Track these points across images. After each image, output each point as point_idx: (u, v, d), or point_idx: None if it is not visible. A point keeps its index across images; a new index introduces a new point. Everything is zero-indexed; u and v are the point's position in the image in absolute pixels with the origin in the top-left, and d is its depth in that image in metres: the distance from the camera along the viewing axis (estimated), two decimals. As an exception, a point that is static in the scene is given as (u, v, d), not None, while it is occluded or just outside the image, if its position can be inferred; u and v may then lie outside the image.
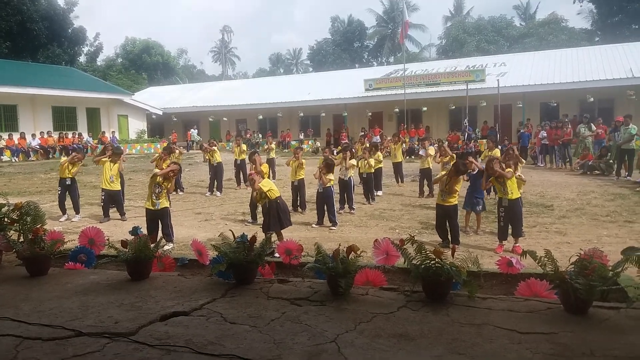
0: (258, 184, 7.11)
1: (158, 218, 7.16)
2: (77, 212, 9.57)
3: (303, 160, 10.25)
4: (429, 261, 3.57)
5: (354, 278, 3.72)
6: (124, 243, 4.28)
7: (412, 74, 30.95)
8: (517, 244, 6.73)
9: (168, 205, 7.35)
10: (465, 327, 3.01)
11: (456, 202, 7.15)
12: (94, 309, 3.46)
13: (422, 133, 27.16)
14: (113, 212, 9.59)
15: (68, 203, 9.71)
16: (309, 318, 3.21)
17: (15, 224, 5.43)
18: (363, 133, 26.44)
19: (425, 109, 28.23)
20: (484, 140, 20.99)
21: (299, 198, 10.10)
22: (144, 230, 4.98)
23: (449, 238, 7.06)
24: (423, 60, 49.59)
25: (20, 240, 5.04)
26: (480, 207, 8.05)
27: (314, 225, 8.60)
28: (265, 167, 8.87)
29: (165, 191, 7.25)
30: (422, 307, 3.36)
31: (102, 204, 9.50)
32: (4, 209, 5.53)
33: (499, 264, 4.29)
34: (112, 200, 9.42)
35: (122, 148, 13.34)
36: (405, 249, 3.79)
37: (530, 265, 4.19)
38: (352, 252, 3.77)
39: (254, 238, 4.22)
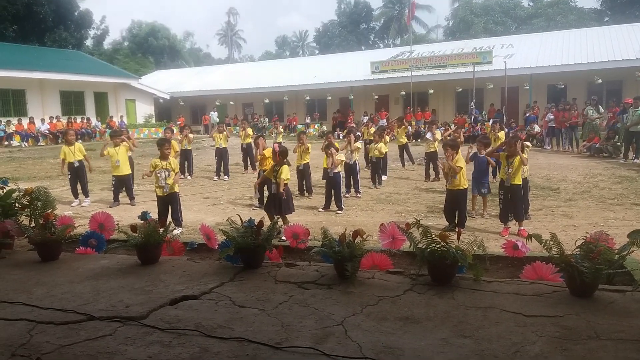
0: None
1: (168, 203, 7.18)
2: (87, 195, 9.59)
3: (309, 145, 10.22)
4: (434, 245, 3.58)
5: (360, 262, 3.74)
6: (133, 228, 4.32)
7: (418, 56, 30.62)
8: (522, 227, 6.71)
9: (177, 190, 7.35)
10: (471, 310, 3.02)
11: (465, 186, 7.12)
12: (105, 293, 3.51)
13: (428, 116, 26.99)
14: (123, 197, 9.64)
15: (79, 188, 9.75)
16: (316, 301, 3.24)
17: (26, 210, 5.50)
18: (368, 117, 26.26)
19: (431, 91, 28.01)
20: (490, 123, 20.90)
21: (304, 183, 10.10)
22: (153, 215, 5.01)
23: (455, 222, 7.05)
24: (430, 41, 49.01)
25: (31, 226, 5.11)
26: (486, 190, 8.02)
27: (320, 210, 8.62)
28: (268, 152, 8.88)
29: (174, 175, 7.21)
30: (428, 291, 3.38)
31: (112, 188, 9.54)
32: (15, 195, 5.59)
33: (504, 247, 4.29)
34: (122, 185, 9.45)
35: (122, 129, 13.22)
36: (411, 232, 3.80)
37: (536, 248, 4.18)
38: (359, 236, 3.79)
39: (261, 222, 4.24)
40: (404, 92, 28.10)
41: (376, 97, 29.79)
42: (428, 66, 28.75)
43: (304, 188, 10.10)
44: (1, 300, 3.41)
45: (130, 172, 9.56)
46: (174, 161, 7.28)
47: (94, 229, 5.04)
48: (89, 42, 48.82)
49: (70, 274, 4.04)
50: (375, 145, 10.95)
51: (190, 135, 13.31)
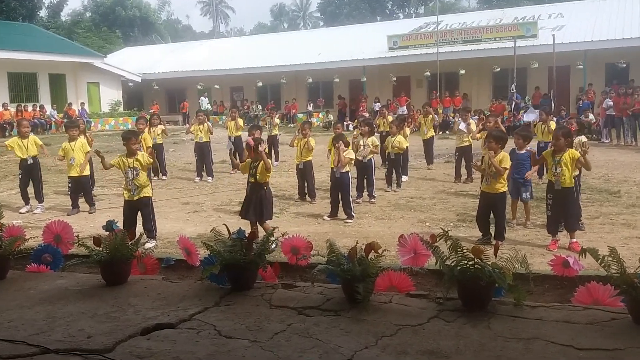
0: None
1: (137, 209, 7.21)
2: (40, 200, 9.62)
3: (312, 139, 10.21)
4: (466, 262, 3.57)
5: (374, 282, 3.74)
6: (96, 240, 4.33)
7: (446, 28, 30.61)
8: (574, 240, 6.69)
9: (150, 194, 7.38)
10: (511, 342, 3.02)
11: (505, 189, 7.11)
12: (62, 320, 3.52)
13: (458, 102, 27.00)
14: (83, 203, 9.69)
15: (31, 191, 9.79)
16: (321, 331, 3.24)
17: (-34, 218, 5.52)
18: (379, 103, 26.25)
19: (463, 72, 28.02)
20: (536, 111, 20.86)
21: (306, 185, 10.11)
22: (121, 225, 5.04)
23: (492, 233, 7.05)
24: (461, 10, 48.99)
25: (-28, 238, 5.13)
26: (528, 194, 8.00)
27: (325, 218, 8.63)
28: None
29: (145, 175, 7.26)
30: (458, 318, 3.38)
31: (68, 192, 9.57)
32: (-47, 200, 5.63)
33: (552, 264, 4.28)
34: (80, 188, 9.49)
35: (78, 120, 13.22)
36: (437, 246, 3.80)
37: (591, 265, 4.17)
38: (373, 251, 3.79)
39: (253, 234, 4.26)
40: (428, 73, 28.11)
41: (394, 79, 29.81)
42: (458, 41, 28.75)
43: (305, 191, 10.12)
44: (-64, 329, 3.43)
45: (89, 172, 9.60)
46: (144, 157, 7.31)
47: (49, 241, 5.06)
48: (43, 13, 49.15)
49: (20, 296, 4.05)
50: (393, 139, 10.93)
51: (162, 126, 13.31)
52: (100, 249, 4.28)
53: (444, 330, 3.22)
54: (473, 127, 11.73)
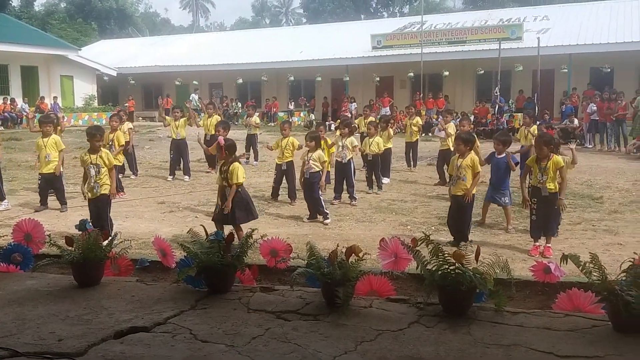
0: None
1: (94, 207, 7.16)
2: (1, 198, 9.47)
3: (293, 138, 10.21)
4: (447, 266, 3.61)
5: (354, 287, 3.76)
6: (69, 240, 4.30)
7: (431, 28, 30.81)
8: (549, 244, 6.82)
9: (108, 193, 7.30)
10: (492, 349, 3.06)
11: (472, 192, 7.22)
12: (32, 322, 3.49)
13: (441, 104, 27.19)
14: (53, 200, 9.57)
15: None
16: (300, 336, 3.25)
17: None
18: (355, 104, 26.35)
19: (446, 73, 28.23)
20: (520, 114, 21.09)
21: (287, 185, 10.12)
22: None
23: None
24: (446, 11, 49.36)
25: (-62, 236, 5.05)
26: (507, 199, 8.12)
27: (305, 220, 8.65)
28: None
29: (106, 172, 7.21)
30: (439, 324, 3.41)
31: (38, 189, 9.44)
32: None
33: (533, 270, 4.34)
34: (51, 186, 9.38)
35: (53, 115, 13.05)
36: (418, 250, 3.83)
37: (573, 272, 4.24)
38: (353, 254, 3.81)
39: (231, 235, 4.25)
40: (412, 74, 28.26)
41: (377, 79, 29.93)
42: (443, 42, 28.95)
43: (287, 193, 10.12)
44: None
45: (60, 169, 9.49)
46: (107, 155, 7.29)
47: (19, 240, 5.00)
48: (15, 3, 48.46)
49: (-13, 297, 4.01)
50: (371, 140, 10.97)
51: (129, 123, 13.21)
52: (73, 249, 4.25)
53: (424, 335, 3.26)
54: (451, 130, 11.80)
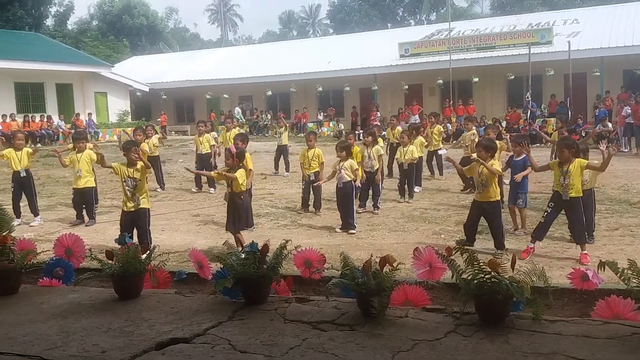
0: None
1: (134, 220, 7.27)
2: (35, 214, 9.70)
3: (319, 150, 10.28)
4: (483, 275, 3.60)
5: (389, 296, 3.77)
6: (109, 254, 4.40)
7: (459, 35, 30.65)
8: (585, 252, 6.70)
9: (148, 206, 7.45)
10: (530, 358, 3.04)
11: (497, 198, 7.18)
12: (76, 335, 3.58)
13: (472, 110, 26.99)
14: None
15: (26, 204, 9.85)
16: (336, 346, 3.27)
17: (-23, 232, 5.61)
18: (380, 113, 26.27)
19: (476, 79, 28.02)
20: (552, 119, 20.84)
21: (314, 195, 10.15)
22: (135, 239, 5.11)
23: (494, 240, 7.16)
24: (473, 17, 49.00)
25: (-17, 252, 5.21)
26: (522, 201, 8.12)
27: (337, 230, 8.68)
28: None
29: (144, 187, 7.34)
30: (475, 333, 3.40)
31: (73, 204, 9.69)
32: (-37, 213, 5.71)
33: (571, 277, 4.30)
34: (83, 200, 9.59)
35: (83, 131, 13.29)
36: (453, 259, 3.82)
37: (611, 279, 4.18)
38: (387, 264, 3.82)
39: (266, 247, 4.30)
40: (441, 81, 28.12)
41: (406, 87, 29.86)
42: (471, 48, 28.75)
43: (309, 203, 10.17)
44: (-50, 344, 3.50)
45: (93, 185, 9.70)
46: (143, 167, 7.40)
47: (60, 255, 5.14)
48: (49, 22, 49.73)
49: (33, 310, 4.12)
50: (405, 149, 10.99)
51: (158, 135, 13.33)
52: (113, 262, 4.35)
53: (461, 345, 3.25)
54: (472, 137, 11.75)
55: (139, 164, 7.33)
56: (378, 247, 7.36)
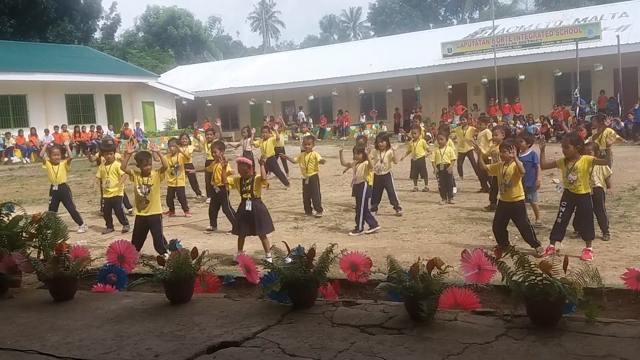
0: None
1: (148, 226, 7.44)
2: (79, 222, 9.96)
3: (316, 152, 10.44)
4: (534, 277, 3.55)
5: (438, 300, 3.75)
6: (160, 259, 4.51)
7: (503, 32, 30.16)
8: (589, 248, 6.63)
9: (160, 212, 7.67)
10: (584, 361, 2.98)
11: (522, 197, 7.07)
12: (130, 339, 3.68)
13: (518, 109, 26.51)
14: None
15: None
16: (385, 350, 3.27)
17: (35, 239, 5.84)
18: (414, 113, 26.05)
19: (522, 77, 27.52)
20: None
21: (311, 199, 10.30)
22: (185, 244, 5.21)
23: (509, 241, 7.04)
24: (518, 14, 48.18)
25: (40, 259, 5.42)
26: (531, 195, 8.14)
27: (350, 234, 8.67)
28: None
29: (157, 194, 7.51)
30: (527, 336, 3.35)
31: (102, 212, 9.93)
32: (21, 222, 5.95)
33: (625, 278, 4.19)
34: (111, 209, 9.82)
35: (112, 141, 13.38)
36: (502, 261, 3.78)
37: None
38: (435, 267, 3.80)
39: (312, 251, 4.33)
40: (486, 79, 27.74)
41: (450, 87, 29.55)
42: (516, 45, 28.28)
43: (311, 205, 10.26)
44: (12, 349, 3.65)
45: (122, 194, 9.93)
46: (156, 174, 7.55)
47: (113, 261, 5.29)
48: (97, 35, 51.13)
49: (88, 316, 4.26)
50: (442, 150, 10.91)
51: (192, 146, 13.10)
52: (164, 267, 4.45)
53: (512, 348, 3.21)
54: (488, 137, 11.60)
55: (153, 173, 7.54)
56: (425, 249, 7.30)
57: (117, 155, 10.44)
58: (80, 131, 28.04)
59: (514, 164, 6.94)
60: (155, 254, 6.69)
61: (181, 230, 9.51)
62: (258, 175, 7.30)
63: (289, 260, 4.37)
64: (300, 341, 3.48)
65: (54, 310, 4.47)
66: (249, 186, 7.24)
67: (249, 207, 7.19)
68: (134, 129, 30.17)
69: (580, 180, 6.65)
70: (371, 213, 9.51)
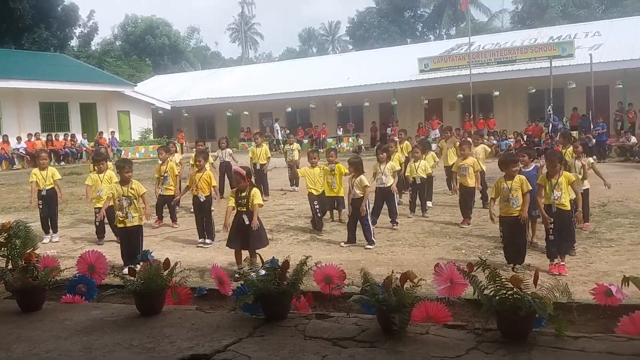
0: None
1: (128, 238, 7.34)
2: (55, 230, 9.84)
3: (342, 166, 10.24)
4: (505, 291, 3.57)
5: (410, 313, 3.75)
6: (131, 271, 4.45)
7: (479, 49, 30.64)
8: (563, 263, 6.73)
9: (141, 223, 7.54)
10: (553, 375, 3.00)
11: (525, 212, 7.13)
12: (99, 351, 3.62)
13: (493, 124, 26.83)
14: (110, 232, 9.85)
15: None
16: (357, 363, 3.26)
17: (3, 249, 5.70)
18: (390, 128, 26.31)
19: (497, 93, 27.94)
20: (575, 132, 20.61)
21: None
22: (156, 255, 5.15)
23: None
24: (494, 31, 48.94)
25: (8, 268, 5.30)
26: (535, 212, 8.08)
27: (342, 245, 8.66)
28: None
29: (138, 205, 7.41)
30: (497, 350, 3.37)
31: (96, 223, 9.72)
32: (-10, 231, 5.81)
33: (594, 293, 4.24)
34: (108, 218, 9.69)
35: (103, 151, 13.26)
36: (474, 275, 3.80)
37: (636, 294, 4.12)
38: (408, 280, 3.81)
39: (286, 263, 4.31)
40: (461, 95, 28.08)
41: (426, 101, 29.87)
42: (492, 62, 28.71)
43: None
44: (-24, 360, 3.56)
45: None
46: (137, 185, 7.47)
47: (83, 272, 5.20)
48: (74, 43, 50.74)
49: (56, 327, 4.18)
50: (417, 164, 10.94)
51: (179, 155, 13.10)
52: (135, 279, 4.39)
53: (483, 362, 3.22)
54: (482, 153, 11.80)
55: (134, 183, 7.44)
56: (398, 262, 7.32)
57: (110, 164, 10.34)
58: (54, 139, 27.70)
59: (518, 177, 7.00)
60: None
61: (154, 240, 9.40)
62: (255, 189, 7.23)
63: (263, 272, 4.35)
64: (272, 354, 3.45)
65: (21, 321, 4.38)
66: (245, 199, 7.14)
67: (246, 221, 7.07)
68: (109, 138, 29.89)
69: (563, 196, 6.78)
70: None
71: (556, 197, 6.79)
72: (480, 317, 3.72)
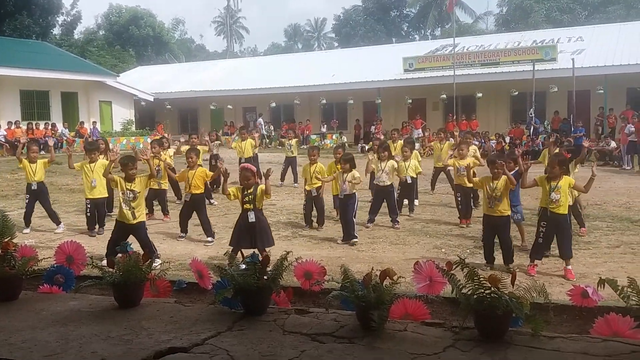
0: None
1: (131, 233, 7.20)
2: (57, 223, 9.78)
3: (321, 165, 10.21)
4: (482, 290, 3.60)
5: (389, 310, 3.77)
6: (110, 262, 4.42)
7: (463, 50, 30.79)
8: (569, 267, 6.77)
9: (145, 219, 7.48)
10: (528, 374, 3.04)
11: (509, 213, 7.19)
12: (75, 342, 3.59)
13: (475, 125, 27.00)
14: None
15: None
16: (334, 358, 3.27)
17: (-20, 237, 5.63)
18: (374, 126, 26.37)
19: (480, 95, 28.09)
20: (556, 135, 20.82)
21: (317, 211, 10.11)
22: (136, 247, 5.12)
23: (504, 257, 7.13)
24: (478, 33, 49.22)
25: (-15, 257, 5.22)
26: (519, 215, 8.17)
27: (339, 242, 8.67)
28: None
29: (142, 200, 7.36)
30: (474, 348, 3.40)
31: (88, 214, 9.59)
32: (-33, 219, 5.73)
33: (570, 294, 4.30)
34: (97, 210, 9.58)
35: (99, 141, 13.09)
36: (453, 274, 3.83)
37: (611, 296, 4.18)
38: (388, 278, 3.83)
39: (266, 258, 4.31)
40: (444, 96, 28.21)
41: (410, 101, 29.96)
42: (475, 64, 28.86)
43: (312, 219, 10.15)
44: (-51, 349, 3.51)
45: (107, 195, 9.71)
46: (140, 180, 7.41)
47: (61, 262, 5.15)
48: (56, 31, 49.95)
49: (32, 317, 4.13)
50: (407, 163, 10.96)
51: (172, 149, 12.94)
52: (114, 270, 4.36)
53: (460, 360, 3.25)
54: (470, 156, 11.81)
55: (137, 179, 7.35)
56: (379, 260, 7.36)
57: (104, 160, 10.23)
58: (34, 128, 27.31)
59: (504, 177, 7.04)
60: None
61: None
62: (261, 186, 7.16)
63: (243, 266, 4.34)
64: (250, 348, 3.45)
65: (-4, 311, 4.33)
66: (252, 196, 7.09)
67: (252, 218, 7.02)
68: (90, 128, 29.56)
69: (562, 199, 6.77)
70: (368, 224, 9.55)
71: (554, 200, 6.78)
72: (458, 315, 3.75)
